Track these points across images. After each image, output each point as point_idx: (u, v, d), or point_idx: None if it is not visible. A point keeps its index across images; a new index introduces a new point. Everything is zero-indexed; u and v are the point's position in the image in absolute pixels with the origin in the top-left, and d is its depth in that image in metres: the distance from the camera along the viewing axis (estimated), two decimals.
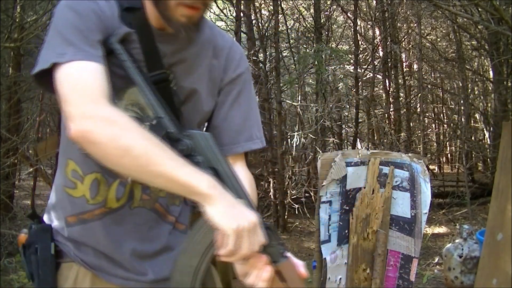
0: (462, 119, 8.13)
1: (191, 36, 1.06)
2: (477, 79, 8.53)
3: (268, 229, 0.94)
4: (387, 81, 8.05)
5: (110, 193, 1.08)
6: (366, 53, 8.45)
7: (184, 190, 0.89)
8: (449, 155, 11.58)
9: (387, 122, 7.83)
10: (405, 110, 8.49)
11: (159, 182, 0.89)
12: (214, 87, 1.14)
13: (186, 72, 1.08)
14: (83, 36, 0.95)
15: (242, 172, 1.12)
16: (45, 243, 1.08)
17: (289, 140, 6.98)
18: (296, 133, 6.63)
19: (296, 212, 6.22)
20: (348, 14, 8.05)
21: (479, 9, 5.21)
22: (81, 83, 0.91)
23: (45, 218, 1.16)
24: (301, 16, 7.87)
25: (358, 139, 8.50)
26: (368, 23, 8.47)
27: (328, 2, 7.70)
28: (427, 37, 8.84)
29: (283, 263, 0.94)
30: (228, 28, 7.14)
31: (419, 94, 8.32)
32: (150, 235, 1.13)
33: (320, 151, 6.09)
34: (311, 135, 6.51)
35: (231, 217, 0.87)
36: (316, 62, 6.20)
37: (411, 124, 8.94)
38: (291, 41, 7.82)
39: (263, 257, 0.92)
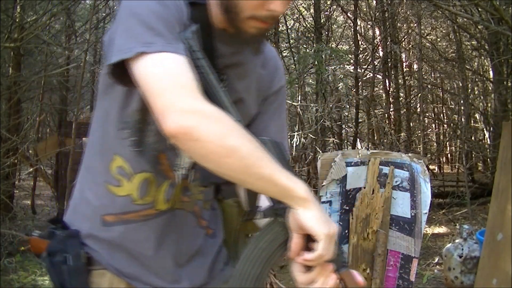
0: (462, 119, 8.13)
1: (258, 47, 1.06)
2: (477, 79, 8.53)
3: None
4: (387, 81, 8.05)
5: (159, 194, 1.04)
6: (366, 53, 8.46)
7: (282, 193, 0.87)
8: (449, 155, 11.59)
9: (387, 122, 7.83)
10: (405, 110, 8.49)
11: (259, 184, 0.87)
12: (259, 97, 1.14)
13: (239, 77, 1.07)
14: (170, 28, 0.89)
15: None
16: (75, 251, 1.01)
17: (289, 140, 6.98)
18: (296, 133, 6.63)
19: None
20: (348, 14, 8.05)
21: (479, 9, 5.21)
22: (175, 76, 0.85)
23: (70, 217, 1.09)
24: (301, 16, 7.88)
25: (358, 139, 8.51)
26: (368, 23, 8.47)
27: (328, 2, 7.70)
28: (427, 37, 8.84)
29: (345, 271, 0.96)
30: None
31: (419, 94, 8.32)
32: (188, 239, 1.10)
33: (320, 151, 6.09)
34: (311, 135, 6.51)
35: (323, 222, 0.87)
36: (316, 62, 6.20)
37: (411, 124, 8.94)
38: (291, 41, 7.83)
39: (329, 265, 0.93)
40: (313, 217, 0.86)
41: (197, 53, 0.93)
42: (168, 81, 0.84)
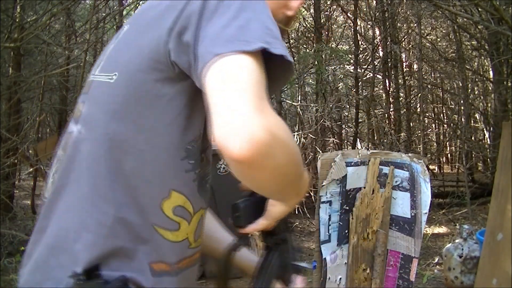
0: (462, 119, 8.13)
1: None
2: (477, 79, 8.53)
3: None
4: (387, 81, 8.06)
5: (203, 232, 0.93)
6: (366, 53, 8.46)
7: (293, 203, 0.89)
8: (449, 155, 11.59)
9: (387, 122, 7.83)
10: (405, 110, 8.50)
11: (291, 203, 0.88)
12: None
13: None
14: (278, 32, 0.76)
15: None
16: None
17: None
18: (296, 133, 6.63)
19: (296, 212, 6.22)
20: (348, 14, 8.06)
21: (479, 9, 5.21)
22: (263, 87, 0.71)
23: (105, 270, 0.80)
24: (301, 16, 7.88)
25: (358, 139, 8.52)
26: (368, 23, 8.47)
27: (328, 2, 7.70)
28: (427, 37, 8.84)
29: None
30: None
31: (419, 94, 8.32)
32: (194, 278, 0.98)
33: (320, 151, 6.09)
34: (311, 135, 6.51)
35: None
36: (316, 62, 6.21)
37: (411, 124, 8.95)
38: (291, 41, 7.83)
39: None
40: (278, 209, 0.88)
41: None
42: (255, 92, 0.67)
